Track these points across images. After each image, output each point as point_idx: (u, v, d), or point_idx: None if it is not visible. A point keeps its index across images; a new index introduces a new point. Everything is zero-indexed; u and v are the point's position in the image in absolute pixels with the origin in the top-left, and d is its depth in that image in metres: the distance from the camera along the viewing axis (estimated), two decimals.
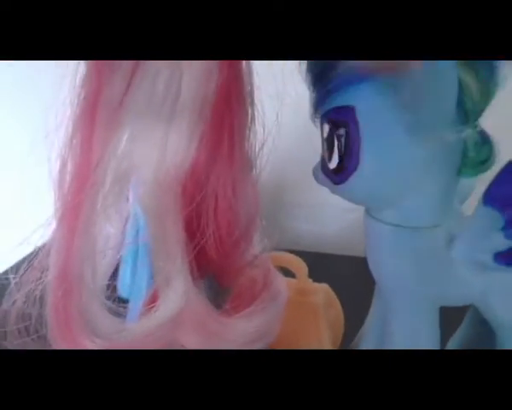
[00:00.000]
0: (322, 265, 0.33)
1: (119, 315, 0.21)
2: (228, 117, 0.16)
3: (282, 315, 0.21)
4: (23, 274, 0.19)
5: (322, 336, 0.24)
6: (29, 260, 0.19)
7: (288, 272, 0.25)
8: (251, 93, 0.19)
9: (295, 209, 0.42)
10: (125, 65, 0.15)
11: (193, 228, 0.19)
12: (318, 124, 0.21)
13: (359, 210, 0.22)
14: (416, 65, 0.16)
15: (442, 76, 0.16)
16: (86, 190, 0.16)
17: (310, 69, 0.20)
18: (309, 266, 0.27)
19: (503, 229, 0.18)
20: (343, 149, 0.19)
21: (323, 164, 0.21)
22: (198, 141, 0.15)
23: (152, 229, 0.19)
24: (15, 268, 0.19)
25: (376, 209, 0.20)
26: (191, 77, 0.15)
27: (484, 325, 0.22)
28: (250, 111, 0.19)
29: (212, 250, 0.24)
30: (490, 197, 0.17)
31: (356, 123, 0.18)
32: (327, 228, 0.40)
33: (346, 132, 0.19)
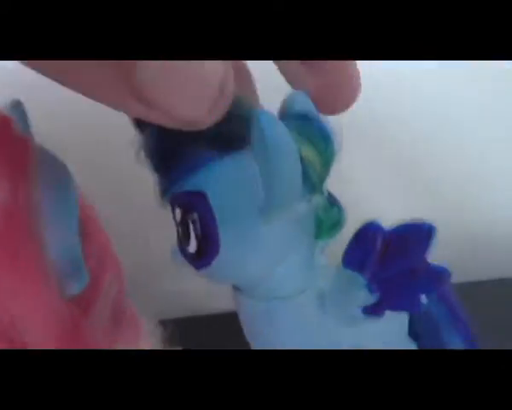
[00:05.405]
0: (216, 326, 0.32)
1: None
2: None
3: None
4: None
5: None
6: None
7: None
8: None
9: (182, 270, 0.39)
10: None
11: None
12: (169, 207, 0.19)
13: None
14: None
15: (284, 156, 0.16)
16: None
17: (151, 156, 0.18)
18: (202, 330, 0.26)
19: (367, 286, 0.18)
20: (200, 234, 0.18)
21: (182, 247, 0.19)
22: None
23: None
24: None
25: (248, 288, 0.20)
26: None
27: None
28: None
29: None
30: (346, 262, 0.18)
31: (209, 208, 0.17)
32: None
33: (200, 218, 0.18)
